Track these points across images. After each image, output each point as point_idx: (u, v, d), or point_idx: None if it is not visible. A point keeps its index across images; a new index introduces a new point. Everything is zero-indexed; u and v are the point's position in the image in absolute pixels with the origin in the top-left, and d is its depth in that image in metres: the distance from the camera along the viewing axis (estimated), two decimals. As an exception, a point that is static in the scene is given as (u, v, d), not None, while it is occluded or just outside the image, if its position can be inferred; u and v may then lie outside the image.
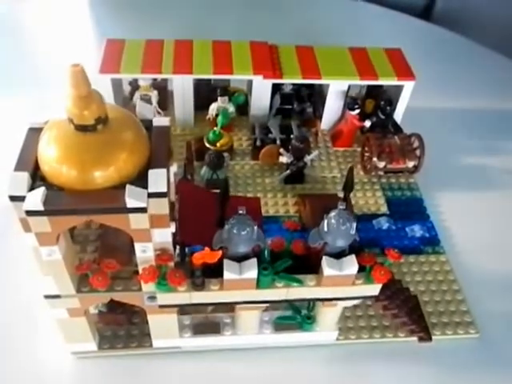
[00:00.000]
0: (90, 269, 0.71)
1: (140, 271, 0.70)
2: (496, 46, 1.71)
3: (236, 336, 0.85)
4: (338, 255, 0.73)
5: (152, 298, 0.75)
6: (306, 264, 0.76)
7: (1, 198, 0.63)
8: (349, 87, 1.22)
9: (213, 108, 1.22)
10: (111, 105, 0.69)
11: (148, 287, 0.73)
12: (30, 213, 0.60)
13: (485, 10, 2.00)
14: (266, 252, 0.73)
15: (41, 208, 0.60)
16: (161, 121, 0.72)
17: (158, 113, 1.22)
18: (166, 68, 1.16)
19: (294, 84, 1.26)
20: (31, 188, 0.61)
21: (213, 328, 0.85)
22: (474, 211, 1.15)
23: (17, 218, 0.62)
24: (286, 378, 0.85)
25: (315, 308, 0.85)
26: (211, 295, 0.74)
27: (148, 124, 0.71)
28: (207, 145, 1.15)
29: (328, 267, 0.72)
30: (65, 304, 0.75)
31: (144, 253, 0.68)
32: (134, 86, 1.25)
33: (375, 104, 1.27)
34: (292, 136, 1.16)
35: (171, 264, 0.72)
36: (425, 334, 0.90)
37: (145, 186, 0.63)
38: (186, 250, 0.78)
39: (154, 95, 1.21)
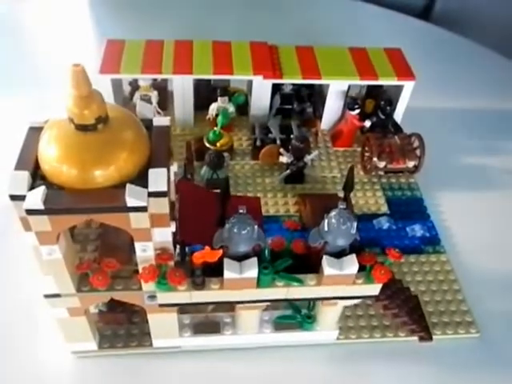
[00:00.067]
0: (91, 268, 0.71)
1: (140, 270, 0.70)
2: (495, 46, 1.71)
3: (236, 335, 0.85)
4: (339, 255, 0.73)
5: (152, 297, 0.75)
6: (306, 263, 0.76)
7: (1, 197, 0.63)
8: (349, 87, 1.23)
9: (213, 108, 1.22)
10: (111, 104, 0.69)
11: (148, 286, 0.73)
12: (30, 212, 0.60)
13: (484, 11, 2.00)
14: (266, 251, 0.73)
15: (41, 207, 0.60)
16: (161, 120, 0.72)
17: (158, 113, 1.22)
18: (166, 68, 1.16)
19: (293, 84, 1.26)
20: (31, 187, 0.61)
21: (213, 327, 0.85)
22: (474, 211, 1.15)
23: (17, 217, 0.62)
24: (286, 377, 0.85)
25: (315, 307, 0.85)
26: (211, 294, 0.74)
27: (148, 124, 0.71)
28: (207, 145, 1.15)
29: (328, 266, 0.72)
30: (65, 303, 0.75)
31: (144, 252, 0.68)
32: (134, 86, 1.25)
33: (375, 104, 1.27)
34: (292, 136, 1.16)
35: (171, 263, 0.72)
36: (425, 333, 0.90)
37: (145, 186, 0.63)
38: (186, 249, 0.78)
39: (153, 95, 1.21)
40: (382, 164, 1.15)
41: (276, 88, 1.24)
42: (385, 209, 1.12)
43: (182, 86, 1.19)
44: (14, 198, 0.61)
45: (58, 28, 1.68)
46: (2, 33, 1.63)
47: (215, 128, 1.16)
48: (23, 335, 0.88)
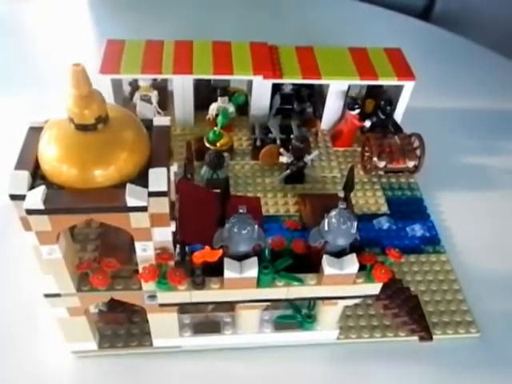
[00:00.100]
0: (91, 268, 0.71)
1: (140, 270, 0.70)
2: (495, 47, 1.71)
3: (236, 335, 0.85)
4: (339, 254, 0.73)
5: (152, 296, 0.75)
6: (306, 263, 0.76)
7: (1, 197, 0.63)
8: (349, 87, 1.23)
9: (213, 108, 1.22)
10: (112, 104, 0.69)
11: (148, 286, 0.73)
12: (30, 211, 0.60)
13: (484, 11, 2.00)
14: (266, 251, 0.73)
15: (41, 207, 0.60)
16: (161, 120, 0.72)
17: (158, 113, 1.22)
18: (166, 68, 1.16)
19: (294, 84, 1.26)
20: (31, 187, 0.61)
21: (213, 327, 0.85)
22: (474, 211, 1.15)
23: (17, 216, 0.62)
24: (287, 377, 0.85)
25: (316, 307, 0.85)
26: (211, 294, 0.74)
27: (148, 123, 0.71)
28: (207, 145, 1.15)
29: (328, 266, 0.72)
30: (65, 303, 0.75)
31: (144, 252, 0.68)
32: (134, 86, 1.25)
33: (375, 104, 1.27)
34: (292, 136, 1.16)
35: (171, 263, 0.72)
36: (425, 333, 0.90)
37: (145, 185, 0.63)
38: (187, 248, 0.78)
39: (153, 95, 1.21)
40: (382, 164, 1.15)
41: (276, 88, 1.24)
42: (385, 209, 1.12)
43: (182, 86, 1.19)
44: (14, 197, 0.61)
45: (58, 28, 1.68)
46: (2, 33, 1.63)
47: (215, 128, 1.16)
48: (23, 335, 0.88)
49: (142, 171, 0.65)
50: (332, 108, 1.26)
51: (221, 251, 0.69)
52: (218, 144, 1.15)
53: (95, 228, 0.83)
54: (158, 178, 0.64)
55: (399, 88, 1.22)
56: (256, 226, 0.70)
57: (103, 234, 0.81)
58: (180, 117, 1.25)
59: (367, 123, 1.22)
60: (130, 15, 1.73)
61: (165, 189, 0.63)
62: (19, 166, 0.63)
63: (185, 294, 0.73)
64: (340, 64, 1.22)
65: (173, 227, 0.70)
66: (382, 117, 1.23)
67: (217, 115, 1.20)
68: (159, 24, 1.63)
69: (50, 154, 0.63)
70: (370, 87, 1.29)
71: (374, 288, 0.76)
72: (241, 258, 0.71)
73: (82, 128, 0.62)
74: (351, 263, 0.72)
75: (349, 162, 1.21)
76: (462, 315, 0.94)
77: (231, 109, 1.22)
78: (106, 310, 0.85)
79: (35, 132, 0.67)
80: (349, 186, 0.95)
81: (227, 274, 0.70)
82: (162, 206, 0.65)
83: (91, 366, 0.84)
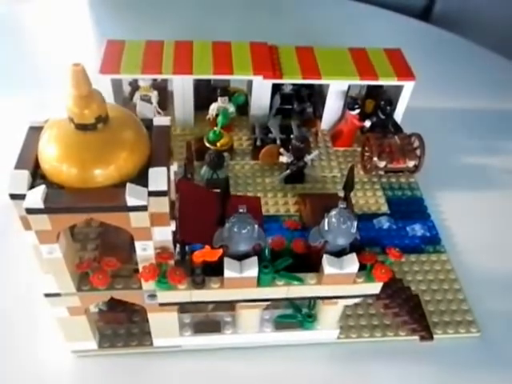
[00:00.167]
0: (91, 267, 0.71)
1: (140, 269, 0.70)
2: (495, 47, 1.71)
3: (236, 334, 0.85)
4: (339, 254, 0.73)
5: (152, 296, 0.75)
6: (306, 263, 0.76)
7: (1, 197, 0.63)
8: (349, 87, 1.23)
9: (213, 108, 1.22)
10: (112, 104, 0.69)
11: (148, 285, 0.73)
12: (30, 211, 0.60)
13: (484, 11, 2.01)
14: (266, 250, 0.73)
15: (41, 206, 0.60)
16: (161, 120, 0.72)
17: (158, 113, 1.22)
18: (166, 68, 1.16)
19: (294, 84, 1.26)
20: (31, 186, 0.61)
21: (213, 326, 0.85)
22: (474, 211, 1.15)
23: (17, 216, 0.62)
24: (287, 376, 0.85)
25: (316, 306, 0.85)
26: (211, 293, 0.74)
27: (148, 123, 0.71)
28: (207, 145, 1.15)
29: (328, 265, 0.72)
30: (65, 302, 0.75)
31: (144, 251, 0.68)
32: (134, 86, 1.25)
33: (375, 104, 1.27)
34: (292, 136, 1.16)
35: (171, 262, 0.72)
36: (426, 332, 0.90)
37: (145, 185, 0.63)
38: (187, 248, 0.78)
39: (154, 95, 1.21)
40: (382, 164, 1.15)
41: (276, 88, 1.24)
42: (385, 208, 1.12)
43: (182, 86, 1.19)
44: (14, 197, 0.61)
45: (58, 28, 1.68)
46: (2, 33, 1.63)
47: (215, 128, 1.16)
48: (23, 334, 0.87)
49: (142, 171, 0.65)
50: (332, 108, 1.26)
51: (221, 251, 0.69)
52: (218, 144, 1.15)
53: (95, 227, 0.83)
54: (158, 177, 0.64)
55: (399, 88, 1.22)
56: (256, 226, 0.70)
57: (103, 234, 0.81)
58: (180, 117, 1.25)
59: (367, 123, 1.22)
60: (130, 15, 1.73)
61: (165, 188, 0.63)
62: (19, 165, 0.63)
63: (185, 294, 0.73)
64: (340, 64, 1.23)
65: (173, 227, 0.70)
66: (382, 117, 1.23)
67: (217, 115, 1.20)
68: (159, 24, 1.63)
69: (49, 154, 0.63)
70: (370, 87, 1.29)
71: (375, 287, 0.76)
72: (241, 257, 0.71)
73: (82, 128, 0.62)
74: (351, 263, 0.72)
75: (349, 162, 1.21)
76: (463, 315, 0.94)
77: (231, 109, 1.22)
78: (106, 309, 0.85)
79: (35, 132, 0.67)
80: (349, 185, 0.95)
81: (227, 273, 0.70)
82: (161, 205, 0.65)
83: (91, 365, 0.84)
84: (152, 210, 0.64)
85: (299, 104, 1.29)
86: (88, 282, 0.73)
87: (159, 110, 1.23)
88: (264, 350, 0.87)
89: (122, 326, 0.87)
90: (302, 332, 0.86)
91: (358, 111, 1.20)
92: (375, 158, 1.14)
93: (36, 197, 0.59)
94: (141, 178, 0.64)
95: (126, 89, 1.28)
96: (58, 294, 0.73)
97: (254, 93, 1.22)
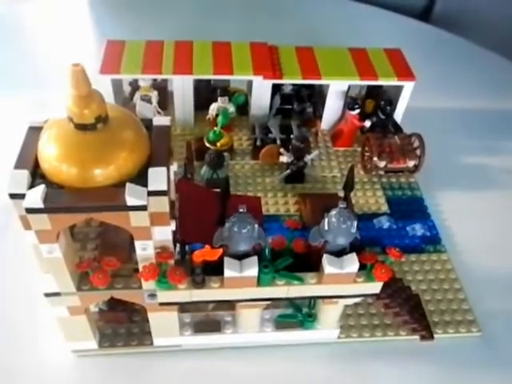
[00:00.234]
0: (91, 267, 0.71)
1: (140, 269, 0.70)
2: (495, 47, 1.71)
3: (237, 334, 0.85)
4: (339, 253, 0.73)
5: (152, 295, 0.75)
6: (306, 262, 0.76)
7: (1, 196, 0.63)
8: (349, 87, 1.23)
9: (213, 108, 1.22)
10: (111, 104, 0.69)
11: (148, 285, 0.73)
12: (29, 210, 0.60)
13: (484, 12, 2.00)
14: (266, 250, 0.73)
15: (41, 205, 0.60)
16: (161, 120, 0.72)
17: (158, 113, 1.22)
18: (166, 69, 1.16)
19: (294, 84, 1.26)
20: (31, 186, 0.61)
21: (213, 326, 0.85)
22: (474, 210, 1.15)
23: (17, 215, 0.62)
24: (287, 376, 0.85)
25: (316, 306, 0.85)
26: (212, 293, 0.74)
27: (148, 123, 0.71)
28: (207, 145, 1.15)
29: (329, 265, 0.72)
30: (65, 302, 0.75)
31: (144, 250, 0.68)
32: (134, 86, 1.25)
33: (375, 104, 1.27)
34: (292, 136, 1.16)
35: (171, 262, 0.72)
36: (426, 332, 0.90)
37: (145, 185, 0.63)
38: (187, 247, 0.78)
39: (154, 96, 1.22)
40: (382, 164, 1.15)
41: (276, 88, 1.24)
42: (385, 208, 1.12)
43: (182, 87, 1.19)
44: (13, 196, 0.61)
45: (58, 28, 1.68)
46: (2, 33, 1.63)
47: (215, 128, 1.16)
48: (23, 334, 0.87)
49: (142, 170, 0.65)
50: (332, 108, 1.26)
51: (221, 250, 0.69)
52: (218, 144, 1.15)
53: (95, 227, 0.83)
54: (158, 177, 0.64)
55: (399, 88, 1.22)
56: (256, 226, 0.70)
57: (103, 233, 0.81)
58: (180, 117, 1.25)
59: (367, 123, 1.22)
60: (130, 15, 1.73)
61: (164, 188, 0.63)
62: (19, 165, 0.63)
63: (185, 293, 0.73)
64: (340, 64, 1.23)
65: (173, 226, 0.70)
66: (382, 117, 1.23)
67: (217, 115, 1.20)
68: (159, 24, 1.63)
69: (49, 154, 0.63)
70: (369, 87, 1.29)
71: (375, 287, 0.76)
72: (241, 257, 0.71)
73: (82, 127, 0.62)
74: (351, 262, 0.72)
75: (349, 162, 1.21)
76: (463, 314, 0.93)
77: (231, 109, 1.22)
78: (106, 309, 0.85)
79: (35, 131, 0.67)
80: (349, 185, 0.95)
81: (227, 273, 0.70)
82: (161, 205, 0.65)
83: (91, 365, 0.84)
84: (152, 209, 0.64)
85: (299, 104, 1.29)
86: (88, 282, 0.73)
87: (159, 110, 1.23)
88: (264, 350, 0.87)
89: (122, 325, 0.87)
90: (302, 332, 0.86)
91: (358, 111, 1.20)
92: (375, 158, 1.14)
93: (36, 196, 0.59)
94: (141, 178, 0.64)
95: (126, 89, 1.29)
96: (57, 294, 0.73)
97: (254, 93, 1.22)
